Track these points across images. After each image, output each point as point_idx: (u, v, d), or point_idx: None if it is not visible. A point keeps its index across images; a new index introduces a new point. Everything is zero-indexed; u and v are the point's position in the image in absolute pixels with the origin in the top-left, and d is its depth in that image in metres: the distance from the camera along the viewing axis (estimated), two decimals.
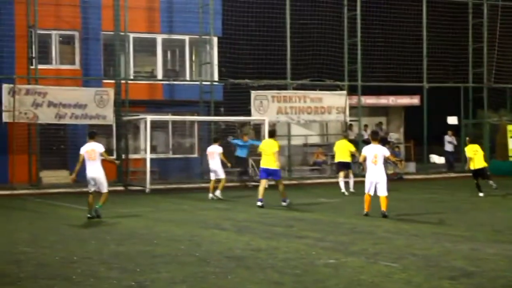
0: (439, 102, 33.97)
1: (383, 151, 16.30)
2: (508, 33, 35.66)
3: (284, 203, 18.87)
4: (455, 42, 34.39)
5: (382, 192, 16.00)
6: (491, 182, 21.90)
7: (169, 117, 28.46)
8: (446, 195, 22.26)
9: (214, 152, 22.09)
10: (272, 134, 19.96)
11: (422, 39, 32.87)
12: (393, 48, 32.55)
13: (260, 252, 11.20)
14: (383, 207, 15.89)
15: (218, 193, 21.65)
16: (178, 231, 14.04)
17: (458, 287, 8.52)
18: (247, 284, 8.84)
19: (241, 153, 26.43)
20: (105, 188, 16.48)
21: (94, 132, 17.40)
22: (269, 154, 19.05)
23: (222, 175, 21.96)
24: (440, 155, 33.25)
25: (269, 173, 19.11)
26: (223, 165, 22.21)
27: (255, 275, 9.32)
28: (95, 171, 16.33)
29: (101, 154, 16.46)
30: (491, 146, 35.07)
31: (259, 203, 18.67)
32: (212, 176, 22.09)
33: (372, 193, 16.19)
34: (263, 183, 19.11)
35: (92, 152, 16.37)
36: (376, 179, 16.09)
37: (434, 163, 32.35)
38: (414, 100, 34.07)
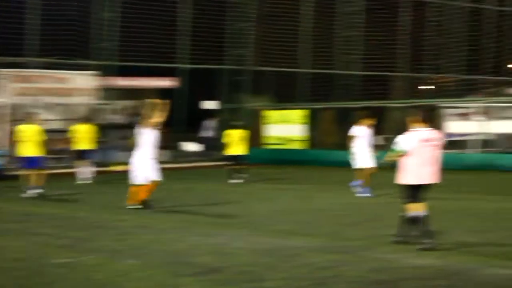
0: (199, 85, 34.54)
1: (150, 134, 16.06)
2: (272, 14, 37.09)
3: (30, 192, 18.34)
4: (217, 23, 35.12)
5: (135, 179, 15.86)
6: (236, 178, 23.02)
7: None
8: (202, 185, 22.64)
9: None
10: (28, 117, 19.30)
11: (181, 18, 33.19)
12: (150, 27, 32.55)
13: None
14: (130, 200, 15.80)
15: None
16: None
17: (203, 284, 8.56)
18: None
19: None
20: None
21: None
22: (29, 141, 18.44)
23: None
24: (198, 142, 33.81)
25: (30, 161, 18.47)
26: None
27: None
28: None
29: None
30: (251, 133, 36.31)
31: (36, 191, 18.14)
32: None
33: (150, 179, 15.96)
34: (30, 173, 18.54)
35: None
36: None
37: (190, 151, 32.85)
38: (171, 83, 34.35)
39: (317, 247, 11.06)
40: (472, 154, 31.55)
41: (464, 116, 38.88)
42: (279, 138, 34.79)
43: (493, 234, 12.37)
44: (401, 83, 42.77)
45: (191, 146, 32.07)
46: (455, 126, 35.38)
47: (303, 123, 34.33)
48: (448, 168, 30.61)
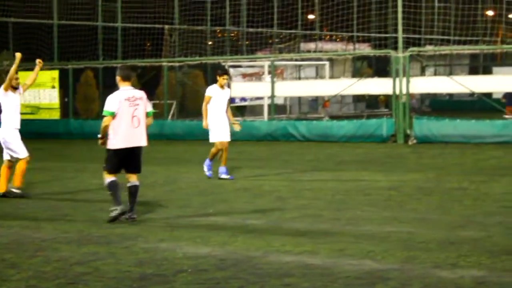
0: None
1: None
2: None
3: None
4: None
5: None
6: None
7: None
8: None
9: None
10: None
11: None
12: None
13: None
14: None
15: None
16: None
17: None
18: None
19: None
20: None
21: None
22: None
23: None
24: None
25: None
26: None
27: None
28: None
29: None
30: None
31: None
32: None
33: None
34: None
35: None
36: None
37: None
38: None
39: (72, 238, 11.05)
40: (261, 122, 32.56)
41: (252, 76, 40.14)
42: (28, 106, 34.08)
43: (278, 215, 12.94)
44: (176, 38, 43.19)
45: None
46: (241, 89, 36.30)
47: (57, 87, 33.84)
48: (235, 139, 31.57)
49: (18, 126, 15.62)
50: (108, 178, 12.27)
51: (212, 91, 18.14)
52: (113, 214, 12.22)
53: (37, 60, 16.00)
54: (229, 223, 12.22)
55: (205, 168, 18.24)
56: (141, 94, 12.42)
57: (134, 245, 10.43)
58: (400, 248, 9.90)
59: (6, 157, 15.65)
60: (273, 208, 13.68)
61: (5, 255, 9.94)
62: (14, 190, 15.53)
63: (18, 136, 15.58)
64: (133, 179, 12.43)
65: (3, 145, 15.62)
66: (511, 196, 14.72)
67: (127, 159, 12.30)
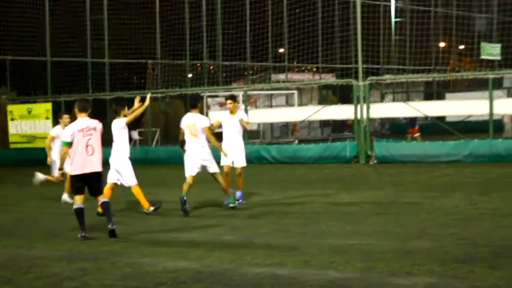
0: None
1: None
2: None
3: None
4: None
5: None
6: None
7: None
8: None
9: None
10: None
11: None
12: None
13: None
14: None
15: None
16: None
17: None
18: None
19: None
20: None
21: None
22: None
23: None
24: None
25: None
26: None
27: None
28: None
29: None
30: None
31: None
32: None
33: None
34: None
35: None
36: None
37: None
38: None
39: (63, 255, 10.97)
40: None
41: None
42: (24, 136, 33.90)
43: (251, 231, 12.92)
44: (158, 71, 43.16)
45: None
46: (218, 117, 36.12)
47: (50, 118, 33.65)
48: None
49: (129, 155, 15.49)
50: (76, 204, 12.45)
51: (221, 116, 17.63)
52: (79, 236, 12.36)
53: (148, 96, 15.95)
54: (205, 239, 12.17)
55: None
56: (95, 124, 12.50)
57: (119, 261, 10.38)
58: (360, 259, 9.89)
59: (112, 180, 15.47)
60: (246, 225, 13.66)
61: (1, 271, 9.87)
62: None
63: (130, 164, 15.41)
64: (101, 198, 12.64)
65: (114, 170, 15.42)
66: (462, 209, 14.74)
67: (87, 183, 12.43)
